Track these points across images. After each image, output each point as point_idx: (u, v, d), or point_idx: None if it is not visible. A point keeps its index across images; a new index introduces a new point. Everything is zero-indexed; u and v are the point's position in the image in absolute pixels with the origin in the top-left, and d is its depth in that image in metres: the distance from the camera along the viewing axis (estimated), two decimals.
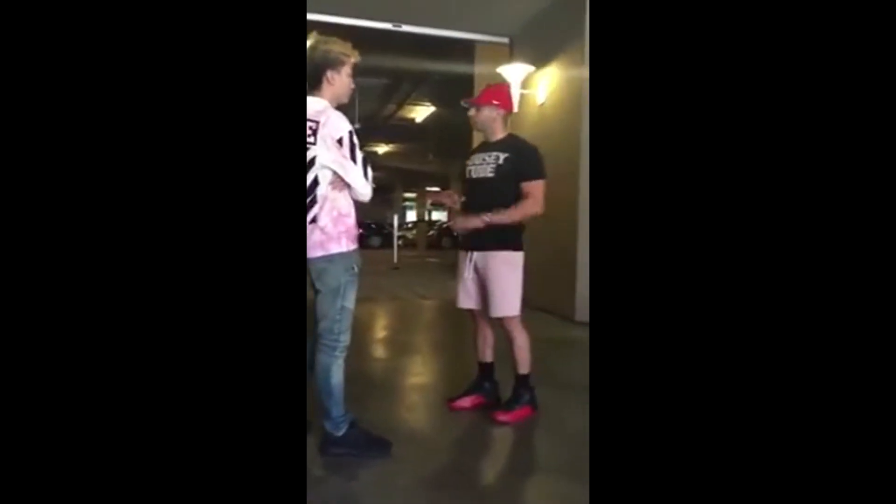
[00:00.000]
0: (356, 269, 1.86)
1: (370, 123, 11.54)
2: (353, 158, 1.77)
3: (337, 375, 1.86)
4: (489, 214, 2.17)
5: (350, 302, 1.86)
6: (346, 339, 1.87)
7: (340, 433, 1.90)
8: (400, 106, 10.83)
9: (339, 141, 1.75)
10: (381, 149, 16.14)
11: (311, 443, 1.98)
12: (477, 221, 2.19)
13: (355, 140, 1.79)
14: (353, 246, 1.85)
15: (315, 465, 1.87)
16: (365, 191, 1.82)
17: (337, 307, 1.83)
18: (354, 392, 2.28)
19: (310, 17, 4.91)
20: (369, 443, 1.95)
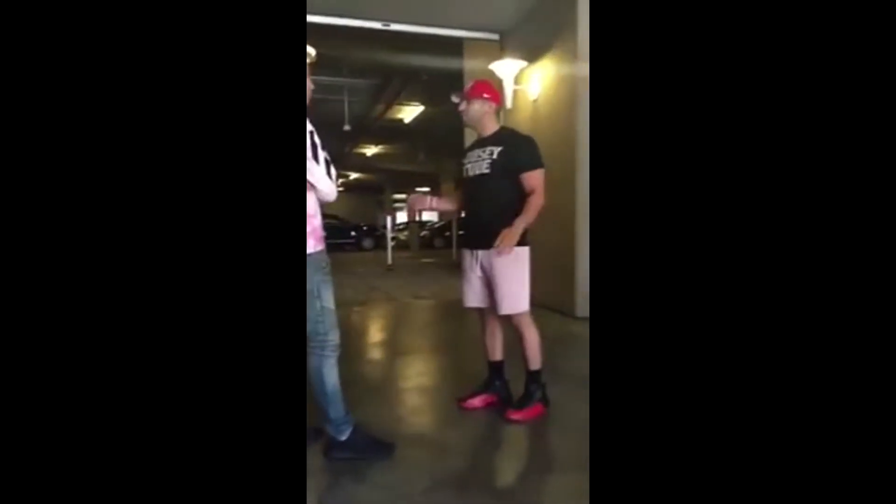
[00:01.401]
0: (327, 269, 1.86)
1: (360, 124, 11.48)
2: (316, 158, 1.78)
3: (331, 376, 1.84)
4: (505, 239, 2.06)
5: (328, 302, 1.85)
6: (334, 337, 1.85)
7: (343, 437, 1.87)
8: (389, 106, 10.77)
9: None
10: (371, 150, 16.07)
11: (317, 449, 1.94)
12: (510, 234, 2.07)
13: (317, 140, 1.79)
14: (320, 246, 1.84)
15: (322, 470, 1.83)
16: (329, 189, 1.83)
17: (316, 309, 1.81)
18: (354, 396, 2.23)
19: None
20: (372, 445, 1.93)
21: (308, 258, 1.80)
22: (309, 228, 1.81)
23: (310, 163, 1.77)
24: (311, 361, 1.83)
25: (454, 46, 6.45)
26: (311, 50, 1.89)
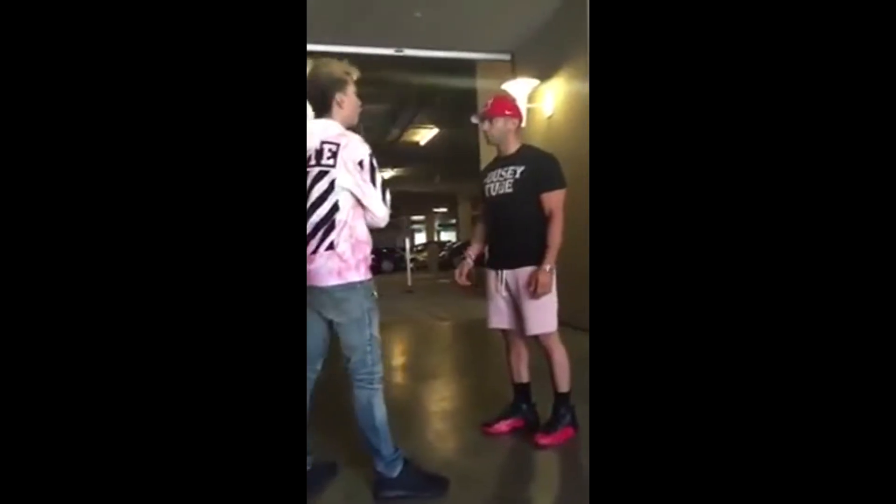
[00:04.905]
0: (375, 297, 1.78)
1: (375, 149, 11.58)
2: (373, 182, 1.72)
3: (380, 410, 1.75)
4: (547, 264, 2.13)
5: (377, 330, 1.78)
6: (379, 369, 1.77)
7: (395, 474, 1.77)
8: (404, 130, 10.89)
9: (360, 164, 1.70)
10: (387, 174, 16.25)
11: (364, 484, 1.88)
12: (546, 278, 2.13)
13: (375, 163, 1.73)
14: (370, 274, 1.77)
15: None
16: (382, 215, 1.75)
17: (366, 337, 1.74)
18: None
19: (310, 47, 4.96)
20: (425, 481, 1.82)
21: (359, 286, 1.72)
22: (360, 256, 1.73)
23: (366, 186, 1.70)
24: (360, 396, 1.74)
25: (467, 68, 6.51)
26: (354, 70, 1.82)
